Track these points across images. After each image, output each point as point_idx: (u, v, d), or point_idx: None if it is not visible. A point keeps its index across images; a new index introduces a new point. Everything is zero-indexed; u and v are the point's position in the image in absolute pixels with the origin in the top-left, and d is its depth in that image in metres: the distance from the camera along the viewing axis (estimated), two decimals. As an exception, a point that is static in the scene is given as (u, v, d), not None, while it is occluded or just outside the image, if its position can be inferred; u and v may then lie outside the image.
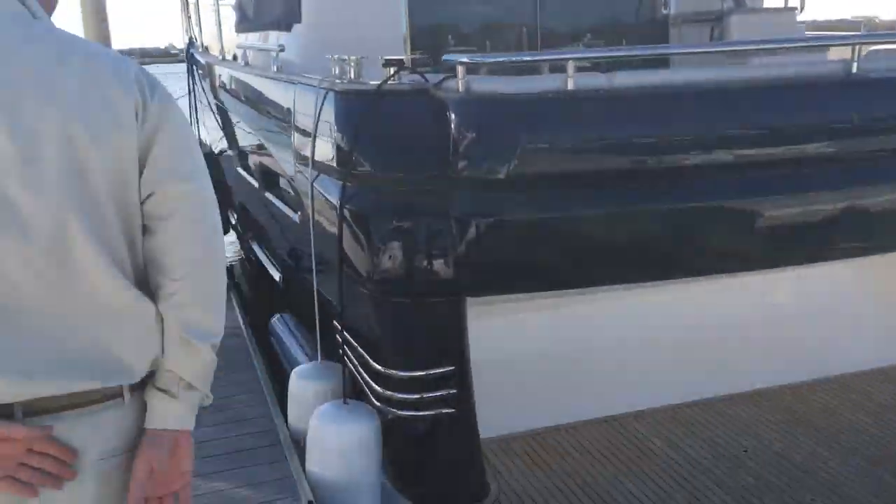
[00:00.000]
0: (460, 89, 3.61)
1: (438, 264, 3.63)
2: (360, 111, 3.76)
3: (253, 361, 5.22)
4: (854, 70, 3.83)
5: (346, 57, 4.04)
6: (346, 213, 3.73)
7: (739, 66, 3.97)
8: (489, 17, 6.57)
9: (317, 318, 4.23)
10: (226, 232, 9.46)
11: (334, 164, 3.86)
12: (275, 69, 5.27)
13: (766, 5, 7.42)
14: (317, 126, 4.13)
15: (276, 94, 5.15)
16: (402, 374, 3.86)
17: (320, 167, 4.08)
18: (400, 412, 3.89)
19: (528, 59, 4.71)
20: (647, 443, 4.51)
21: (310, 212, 4.19)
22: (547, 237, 3.65)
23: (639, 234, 3.74)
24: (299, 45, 6.30)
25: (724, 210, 3.81)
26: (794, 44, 4.48)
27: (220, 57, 7.18)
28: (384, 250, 3.62)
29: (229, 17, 7.52)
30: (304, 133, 4.30)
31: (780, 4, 6.82)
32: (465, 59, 3.57)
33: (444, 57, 3.74)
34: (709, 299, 4.73)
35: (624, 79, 3.63)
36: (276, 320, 6.31)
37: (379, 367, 3.94)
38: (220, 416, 4.49)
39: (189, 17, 9.71)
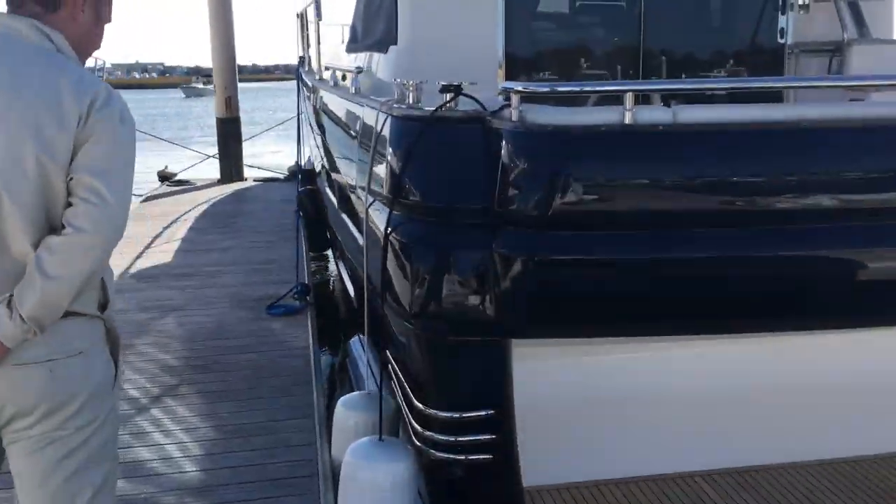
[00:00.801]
0: (513, 118, 3.40)
1: (480, 303, 3.41)
2: (410, 136, 3.60)
3: (313, 385, 5.13)
4: None
5: (407, 81, 3.91)
6: (391, 242, 3.57)
7: (821, 105, 3.56)
8: (590, 42, 6.32)
9: (366, 345, 4.09)
10: (324, 249, 9.54)
11: (384, 190, 3.72)
12: (353, 91, 5.21)
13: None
14: (374, 149, 4.01)
15: (350, 115, 5.08)
16: (440, 414, 3.65)
17: (375, 192, 3.95)
18: (437, 453, 3.69)
19: (588, 89, 4.41)
20: None
21: (364, 238, 4.07)
22: (593, 281, 3.37)
23: (696, 283, 3.40)
24: (393, 68, 6.25)
25: (793, 262, 3.41)
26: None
27: (319, 77, 7.24)
28: (424, 284, 3.43)
29: (330, 37, 7.58)
30: (365, 156, 4.19)
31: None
32: (519, 87, 3.36)
33: (502, 84, 3.54)
34: (786, 356, 4.31)
35: (689, 114, 3.31)
36: (354, 341, 6.24)
37: (419, 405, 3.76)
38: (263, 441, 4.41)
39: (303, 38, 9.90)
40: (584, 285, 3.38)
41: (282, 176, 14.19)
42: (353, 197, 4.91)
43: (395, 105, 3.89)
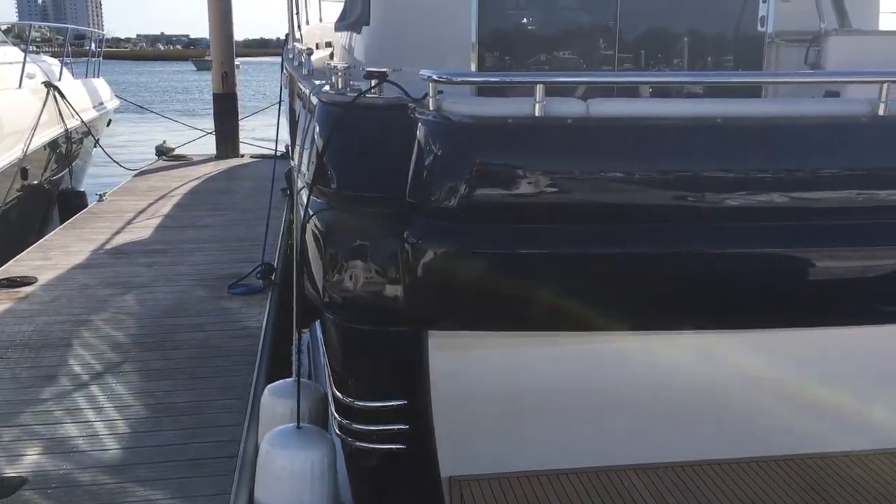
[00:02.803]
0: (430, 108, 3.34)
1: (390, 292, 3.37)
2: (331, 122, 3.55)
3: (255, 367, 5.12)
4: (881, 112, 3.27)
5: (337, 65, 3.85)
6: (308, 229, 3.54)
7: (739, 101, 3.46)
8: (565, 28, 6.22)
9: (295, 331, 4.06)
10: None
11: (307, 177, 3.68)
12: (305, 72, 5.16)
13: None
14: (304, 134, 3.97)
15: (300, 96, 5.04)
16: (355, 402, 3.63)
17: (304, 178, 3.92)
18: (355, 442, 3.68)
19: (508, 79, 4.30)
20: (639, 501, 4.09)
21: (296, 223, 4.03)
22: (498, 273, 3.32)
23: (601, 278, 3.33)
24: (364, 48, 6.20)
25: (695, 258, 3.33)
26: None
27: (291, 57, 7.19)
28: (335, 272, 3.40)
29: (308, 15, 7.52)
30: (299, 140, 4.16)
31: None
32: (434, 76, 3.29)
33: (422, 72, 3.48)
34: (712, 353, 4.25)
35: (604, 107, 3.24)
36: (314, 326, 6.22)
37: (338, 394, 3.75)
38: (192, 420, 4.41)
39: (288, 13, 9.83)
40: (489, 277, 3.32)
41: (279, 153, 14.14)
42: (297, 180, 4.89)
43: (322, 89, 3.85)
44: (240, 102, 14.43)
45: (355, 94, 3.55)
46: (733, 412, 4.38)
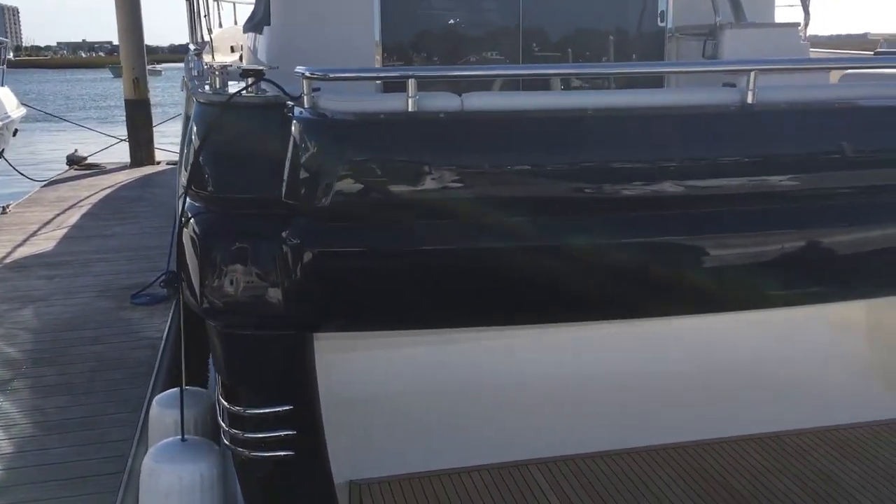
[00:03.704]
0: (305, 105, 3.27)
1: (269, 296, 3.29)
2: (207, 123, 3.46)
3: (151, 379, 4.98)
4: (749, 100, 3.31)
5: (214, 66, 3.75)
6: (185, 233, 3.43)
7: (613, 93, 3.49)
8: (469, 25, 6.21)
9: (182, 341, 3.94)
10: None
11: (183, 179, 3.58)
12: (195, 73, 5.02)
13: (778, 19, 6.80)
14: (184, 136, 3.86)
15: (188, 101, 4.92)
16: (241, 410, 3.54)
17: (182, 181, 3.81)
18: (242, 451, 3.58)
19: (384, 74, 4.26)
20: (541, 498, 4.09)
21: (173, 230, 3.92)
22: (375, 274, 3.27)
23: (481, 274, 3.31)
24: (266, 49, 6.09)
25: (570, 251, 3.33)
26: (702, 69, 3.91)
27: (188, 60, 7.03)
28: (211, 276, 3.30)
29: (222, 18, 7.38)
30: (181, 143, 4.05)
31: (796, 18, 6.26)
32: (307, 72, 3.22)
33: (297, 68, 3.40)
34: (607, 345, 4.30)
35: (478, 101, 3.21)
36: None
37: (223, 402, 3.65)
38: (82, 436, 4.26)
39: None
40: (366, 277, 3.27)
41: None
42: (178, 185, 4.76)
43: (199, 89, 3.74)
44: (162, 108, 14.15)
45: (231, 94, 3.46)
46: (627, 403, 4.42)
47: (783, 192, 3.49)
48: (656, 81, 5.77)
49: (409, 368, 4.30)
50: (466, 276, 3.37)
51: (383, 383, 4.26)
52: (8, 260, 7.76)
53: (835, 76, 5.15)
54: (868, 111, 3.52)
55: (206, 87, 3.79)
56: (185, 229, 3.43)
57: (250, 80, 3.52)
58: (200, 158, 3.41)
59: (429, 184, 3.18)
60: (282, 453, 3.54)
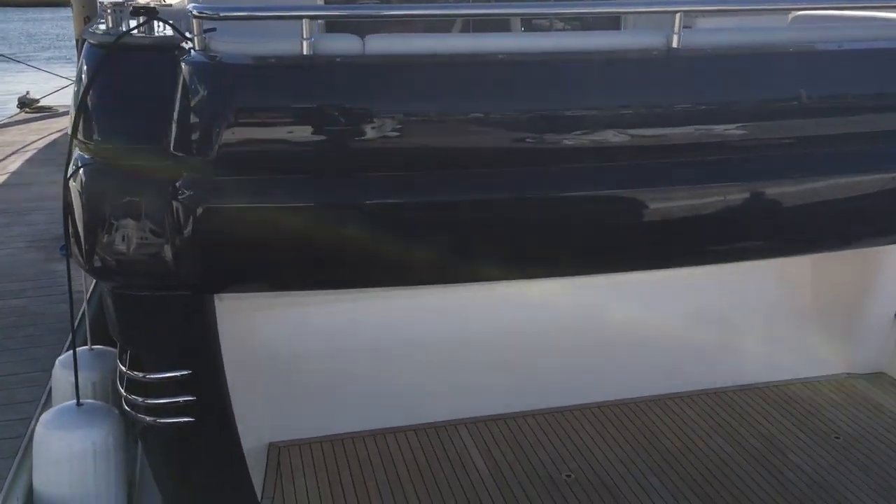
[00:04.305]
0: (197, 47, 3.00)
1: (161, 254, 3.06)
2: (93, 65, 3.18)
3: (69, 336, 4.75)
4: (675, 45, 3.08)
5: (109, 2, 3.46)
6: (70, 186, 3.18)
7: (525, 36, 3.24)
8: None
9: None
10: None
11: (70, 128, 3.31)
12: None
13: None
14: (76, 81, 3.59)
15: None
16: (137, 376, 3.34)
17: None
18: (144, 418, 3.39)
19: (279, 14, 3.97)
20: (466, 458, 3.95)
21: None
22: (267, 230, 3.04)
23: (371, 231, 3.09)
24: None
25: (492, 204, 3.12)
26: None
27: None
28: (100, 234, 3.07)
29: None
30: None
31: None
32: (197, 10, 2.93)
33: (188, 5, 3.12)
34: (533, 301, 4.13)
35: (379, 44, 2.96)
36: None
37: (120, 366, 3.45)
38: (-15, 399, 4.07)
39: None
40: (260, 235, 3.04)
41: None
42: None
43: (91, 28, 3.46)
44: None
45: (119, 34, 3.18)
46: (555, 362, 4.27)
47: (715, 143, 3.28)
48: (613, 22, 5.50)
49: (326, 329, 4.12)
50: (367, 233, 3.16)
51: (300, 344, 4.08)
52: (-60, 208, 7.46)
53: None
54: (798, 56, 3.29)
55: (101, 27, 3.50)
56: (71, 182, 3.19)
57: (141, 19, 3.25)
58: (86, 105, 3.15)
59: (324, 133, 2.94)
60: (182, 419, 3.36)
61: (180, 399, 3.33)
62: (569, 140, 3.05)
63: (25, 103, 13.14)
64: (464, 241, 3.15)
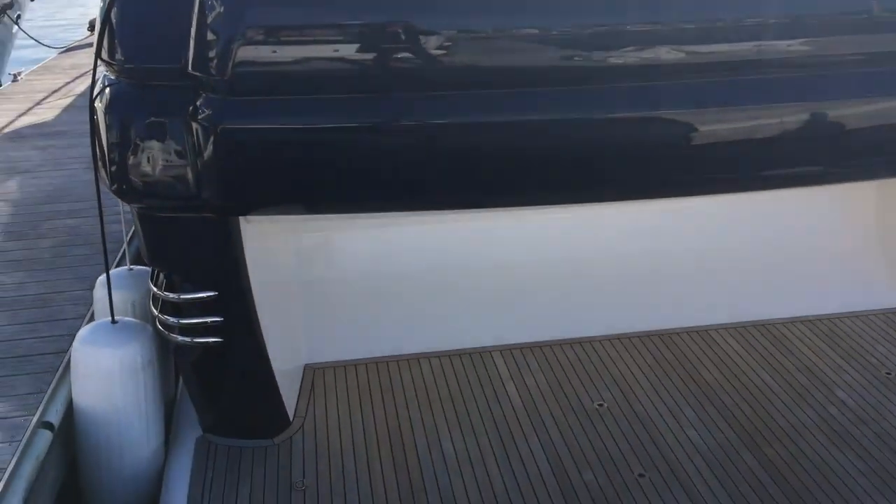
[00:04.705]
0: None
1: (180, 177, 3.05)
2: None
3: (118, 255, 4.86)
4: None
5: None
6: (95, 107, 3.19)
7: None
8: None
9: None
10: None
11: (94, 47, 3.30)
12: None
13: None
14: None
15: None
16: (166, 296, 3.39)
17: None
18: (175, 337, 3.46)
19: None
20: (498, 384, 3.93)
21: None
22: (286, 151, 2.99)
23: (391, 151, 3.00)
24: None
25: (516, 126, 3.01)
26: None
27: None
28: (120, 156, 3.08)
29: None
30: None
31: None
32: None
33: None
34: (569, 227, 4.03)
35: None
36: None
37: (151, 286, 3.50)
38: (34, 314, 4.20)
39: None
40: (275, 156, 3.00)
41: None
42: None
43: None
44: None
45: None
46: (594, 290, 4.18)
47: (774, 61, 3.09)
48: None
49: (364, 254, 4.10)
50: (395, 153, 3.09)
51: (337, 269, 4.08)
52: (8, 129, 7.66)
53: None
54: None
55: None
56: (96, 103, 3.19)
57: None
58: (109, 25, 3.13)
59: (341, 51, 2.86)
60: (211, 339, 3.41)
61: (208, 319, 3.38)
62: (618, 58, 2.92)
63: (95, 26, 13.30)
64: (499, 164, 3.07)
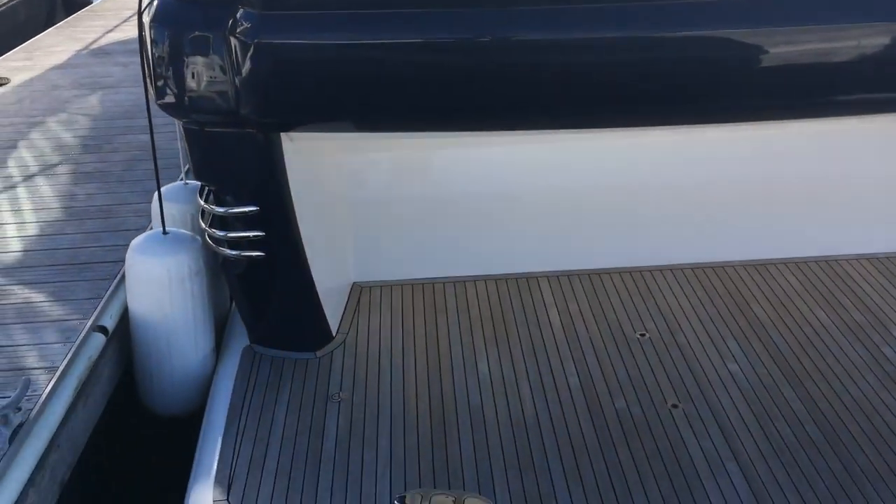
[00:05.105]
0: None
1: (221, 92, 3.08)
2: None
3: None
4: None
5: None
6: (143, 23, 3.24)
7: None
8: None
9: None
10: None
11: (142, -38, 3.34)
12: None
13: None
14: None
15: None
16: (212, 209, 3.48)
17: None
18: (221, 249, 3.56)
19: None
20: (541, 309, 3.92)
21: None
22: (329, 68, 2.99)
23: (458, 68, 2.96)
24: None
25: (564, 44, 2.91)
26: None
27: None
28: (162, 69, 3.13)
29: None
30: None
31: None
32: None
33: None
34: (619, 154, 3.91)
35: None
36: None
37: (200, 200, 3.60)
38: (100, 223, 4.38)
39: None
40: (312, 72, 3.00)
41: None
42: None
43: None
44: None
45: None
46: (643, 220, 4.08)
47: None
48: None
49: (413, 176, 4.09)
50: (445, 72, 3.05)
51: (387, 190, 4.09)
52: (94, 46, 7.89)
53: None
54: None
55: None
56: (144, 17, 3.25)
57: None
58: None
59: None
60: (255, 253, 3.50)
61: (251, 234, 3.46)
62: None
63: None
64: (549, 85, 3.00)
